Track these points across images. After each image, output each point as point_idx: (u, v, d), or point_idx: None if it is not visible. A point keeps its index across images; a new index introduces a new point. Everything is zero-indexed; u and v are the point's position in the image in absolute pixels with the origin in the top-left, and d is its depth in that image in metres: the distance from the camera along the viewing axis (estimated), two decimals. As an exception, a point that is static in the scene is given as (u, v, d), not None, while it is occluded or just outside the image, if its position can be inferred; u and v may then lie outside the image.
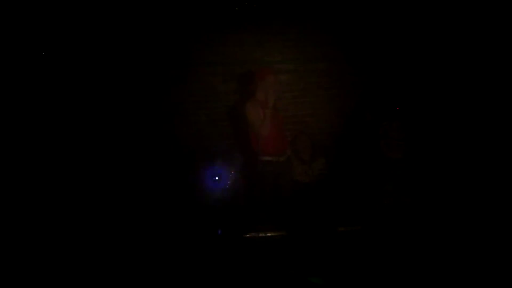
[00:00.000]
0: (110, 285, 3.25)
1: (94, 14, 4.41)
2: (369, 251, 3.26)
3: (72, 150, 4.36)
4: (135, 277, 3.32)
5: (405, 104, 3.87)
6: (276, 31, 4.74)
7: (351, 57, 4.72)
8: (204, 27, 4.67)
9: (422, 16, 4.49)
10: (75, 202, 4.16)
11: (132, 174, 4.45)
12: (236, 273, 3.34)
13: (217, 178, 4.14)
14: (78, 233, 3.91)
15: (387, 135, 3.28)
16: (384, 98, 4.02)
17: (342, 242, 3.69)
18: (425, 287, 2.94)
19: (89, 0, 4.34)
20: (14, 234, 3.70)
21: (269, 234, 4.04)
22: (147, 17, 4.54)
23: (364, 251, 3.31)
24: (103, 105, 4.53)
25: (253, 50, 4.75)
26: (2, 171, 4.02)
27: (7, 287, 3.16)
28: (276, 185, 3.91)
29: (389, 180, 3.20)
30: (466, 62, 4.37)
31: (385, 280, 3.01)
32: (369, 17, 4.62)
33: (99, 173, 4.36)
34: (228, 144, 4.43)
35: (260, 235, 4.07)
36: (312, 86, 4.79)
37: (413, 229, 3.12)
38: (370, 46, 4.68)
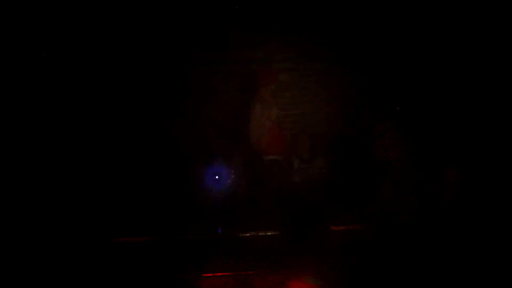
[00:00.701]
0: (109, 284, 3.29)
1: (92, 14, 4.43)
2: (367, 251, 3.28)
3: (72, 151, 4.38)
4: (134, 276, 3.35)
5: (404, 104, 3.88)
6: (276, 31, 4.73)
7: (351, 56, 4.70)
8: (204, 27, 4.67)
9: (421, 16, 4.48)
10: (76, 200, 4.19)
11: (132, 173, 4.47)
12: (235, 272, 3.37)
13: (217, 177, 4.17)
14: (77, 230, 3.95)
15: (383, 135, 3.28)
16: (383, 98, 4.02)
17: (341, 242, 3.71)
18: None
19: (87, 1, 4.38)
20: (13, 233, 3.73)
21: (269, 234, 4.06)
22: (147, 18, 4.55)
23: (362, 251, 3.33)
24: (103, 106, 4.54)
25: (253, 50, 4.74)
26: (2, 171, 4.05)
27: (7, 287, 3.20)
28: (276, 184, 3.92)
29: (387, 181, 3.21)
30: (464, 62, 4.36)
31: (383, 281, 3.03)
32: (369, 17, 4.61)
33: (99, 173, 4.38)
34: (228, 144, 4.44)
35: (260, 234, 4.09)
36: (312, 86, 4.79)
37: (412, 229, 3.14)
38: (370, 45, 4.66)
